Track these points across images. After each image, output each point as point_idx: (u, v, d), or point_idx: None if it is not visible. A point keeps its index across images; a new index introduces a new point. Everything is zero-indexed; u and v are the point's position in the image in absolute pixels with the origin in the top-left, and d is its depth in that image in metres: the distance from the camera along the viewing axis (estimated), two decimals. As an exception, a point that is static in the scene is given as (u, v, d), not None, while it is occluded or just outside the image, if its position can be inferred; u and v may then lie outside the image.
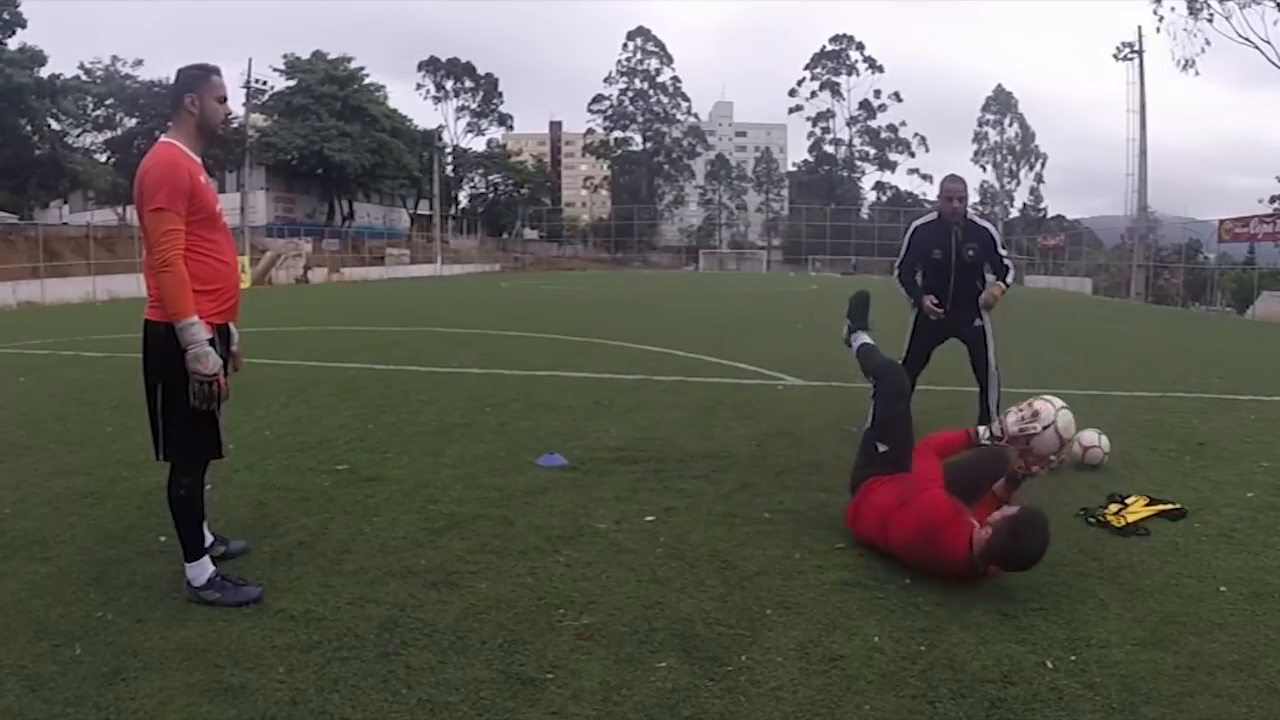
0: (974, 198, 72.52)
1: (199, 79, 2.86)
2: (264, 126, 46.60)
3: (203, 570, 2.84)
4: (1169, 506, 3.82)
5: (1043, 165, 72.14)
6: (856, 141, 75.60)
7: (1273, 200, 34.57)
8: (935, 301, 5.19)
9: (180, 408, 2.71)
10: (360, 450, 4.95)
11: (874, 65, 73.16)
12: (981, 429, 3.60)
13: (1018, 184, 72.42)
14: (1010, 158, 72.12)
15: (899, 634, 2.62)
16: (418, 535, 3.48)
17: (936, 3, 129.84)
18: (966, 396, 5.60)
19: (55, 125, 32.34)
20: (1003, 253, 5.20)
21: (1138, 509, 3.77)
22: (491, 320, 14.86)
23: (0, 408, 6.38)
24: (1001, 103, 72.30)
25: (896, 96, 73.05)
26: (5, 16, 28.39)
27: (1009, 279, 5.23)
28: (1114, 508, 3.79)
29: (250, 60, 55.93)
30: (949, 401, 6.13)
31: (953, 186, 5.14)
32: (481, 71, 69.97)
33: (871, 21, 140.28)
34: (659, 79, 74.90)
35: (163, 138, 2.84)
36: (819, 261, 66.69)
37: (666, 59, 74.75)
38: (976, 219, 5.24)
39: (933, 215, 5.34)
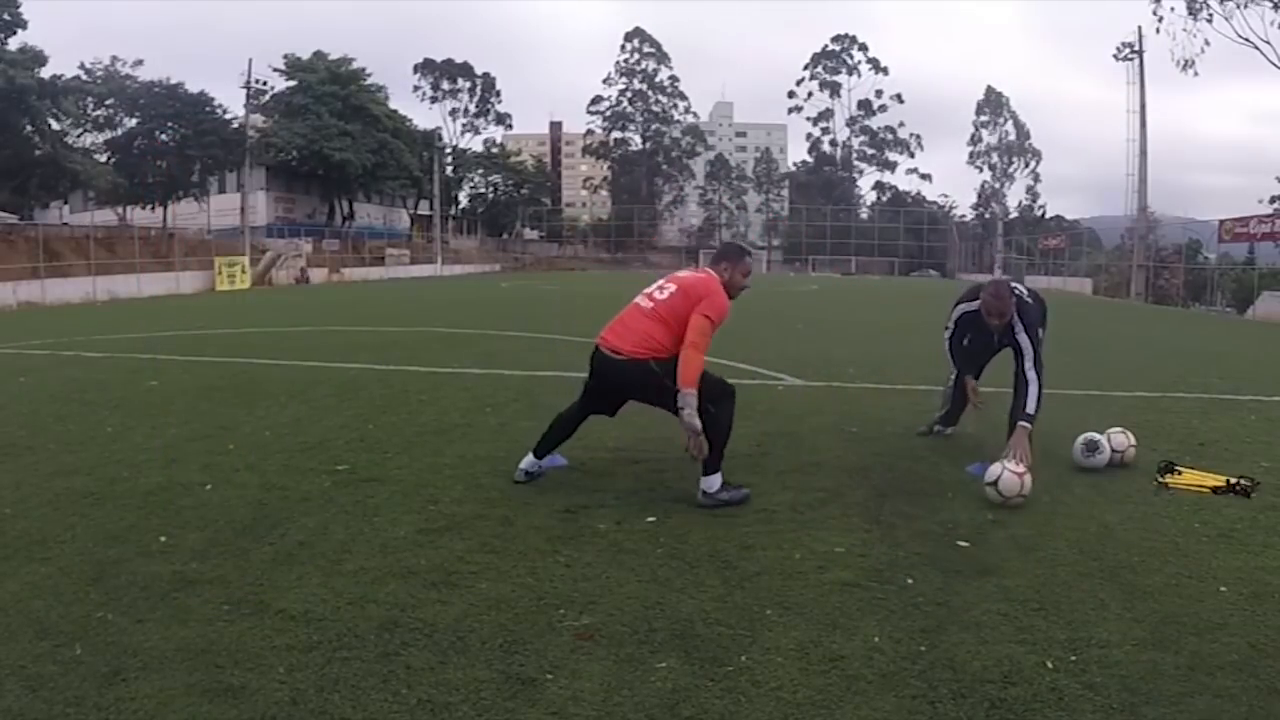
0: (971, 198, 72.43)
1: (737, 255, 4.24)
2: (264, 126, 46.60)
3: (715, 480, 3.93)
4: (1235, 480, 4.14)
5: (1037, 164, 72.33)
6: (856, 142, 75.75)
7: (1273, 200, 34.57)
8: (975, 387, 5.08)
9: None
10: (360, 450, 4.95)
11: (877, 66, 73.32)
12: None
13: (1012, 183, 72.60)
14: (1005, 158, 72.25)
15: (899, 634, 2.62)
16: (418, 535, 3.48)
17: (936, 2, 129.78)
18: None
19: (56, 125, 32.34)
20: (1028, 368, 4.54)
21: (1198, 476, 4.22)
22: (492, 320, 14.86)
23: (0, 408, 6.39)
24: (993, 104, 72.50)
25: (898, 98, 73.23)
26: (5, 17, 28.40)
27: (1030, 409, 4.39)
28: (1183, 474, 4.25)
29: (250, 60, 55.85)
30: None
31: (992, 302, 4.64)
32: (479, 71, 70.13)
33: (871, 21, 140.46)
34: (657, 79, 74.99)
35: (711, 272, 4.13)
36: (817, 261, 66.75)
37: (664, 59, 74.85)
38: (1017, 330, 4.65)
39: (975, 305, 4.88)
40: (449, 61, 69.62)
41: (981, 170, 73.04)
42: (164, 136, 40.10)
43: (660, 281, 4.20)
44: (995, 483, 3.94)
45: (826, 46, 74.36)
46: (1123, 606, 2.82)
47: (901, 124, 73.90)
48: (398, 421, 5.80)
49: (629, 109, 75.46)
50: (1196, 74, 31.33)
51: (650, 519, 3.71)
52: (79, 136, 36.55)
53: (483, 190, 72.23)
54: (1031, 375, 4.55)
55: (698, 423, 3.76)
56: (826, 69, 74.41)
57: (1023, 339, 4.66)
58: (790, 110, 76.28)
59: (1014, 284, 4.93)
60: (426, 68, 69.28)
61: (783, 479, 4.40)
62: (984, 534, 3.55)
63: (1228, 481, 4.16)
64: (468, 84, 70.02)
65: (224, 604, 2.80)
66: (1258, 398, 7.16)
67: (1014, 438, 4.33)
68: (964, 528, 3.62)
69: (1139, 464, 4.64)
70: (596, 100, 75.72)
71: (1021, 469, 3.98)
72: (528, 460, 4.29)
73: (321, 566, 3.13)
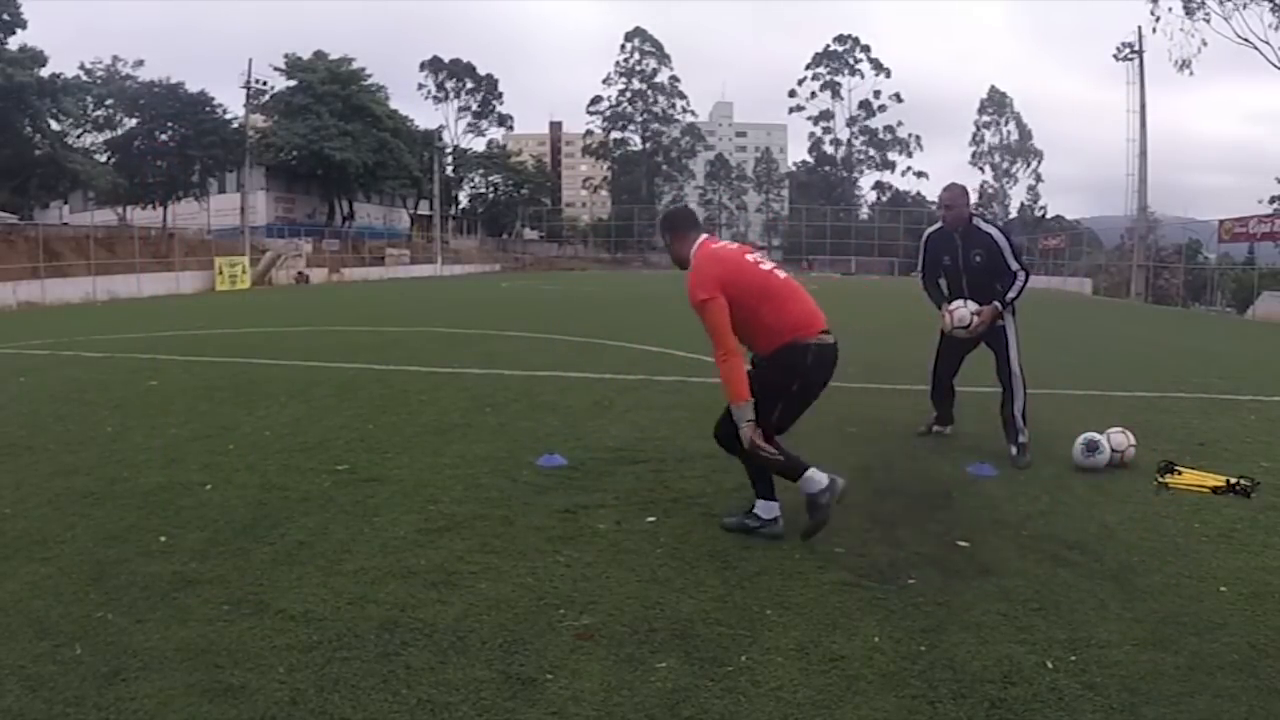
0: (973, 198, 72.36)
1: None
2: (264, 126, 46.59)
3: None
4: (1235, 480, 4.16)
5: (1039, 163, 72.32)
6: (856, 142, 75.74)
7: (1272, 200, 34.58)
8: (949, 311, 5.02)
9: None
10: (360, 450, 4.95)
11: (879, 66, 73.31)
12: (1013, 449, 3.99)
13: (1015, 183, 72.59)
14: (1007, 158, 72.25)
15: (899, 634, 2.62)
16: (418, 535, 3.48)
17: (935, 2, 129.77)
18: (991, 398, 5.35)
19: (56, 125, 32.30)
20: (1011, 264, 4.84)
21: (1198, 477, 4.26)
22: (492, 320, 14.86)
23: (0, 408, 6.39)
24: (996, 103, 72.47)
25: (897, 97, 73.23)
26: (5, 17, 28.37)
27: (1010, 295, 4.83)
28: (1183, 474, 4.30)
29: (250, 60, 55.76)
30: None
31: (943, 194, 5.06)
32: (482, 72, 70.14)
33: (870, 21, 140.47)
34: (657, 79, 74.99)
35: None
36: (816, 261, 66.72)
37: (664, 59, 74.84)
38: (981, 224, 4.98)
39: (939, 224, 5.19)
40: (456, 61, 69.62)
41: (983, 170, 73.09)
42: (164, 136, 40.06)
43: (756, 256, 3.56)
44: (951, 312, 4.70)
45: (829, 47, 74.37)
46: (1123, 606, 2.82)
47: (900, 124, 74.01)
48: (398, 421, 5.80)
49: (629, 109, 75.42)
50: (1193, 74, 31.37)
51: (650, 519, 3.71)
52: (79, 136, 36.50)
53: (483, 190, 72.17)
54: (1016, 266, 4.85)
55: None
56: (828, 69, 74.41)
57: (995, 235, 4.90)
58: (791, 110, 76.35)
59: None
60: (433, 65, 69.24)
61: (782, 478, 4.38)
62: (984, 534, 3.55)
63: (1228, 481, 4.16)
64: (471, 84, 70.01)
65: (224, 604, 2.80)
66: (1258, 398, 7.16)
67: (986, 308, 4.82)
68: (964, 528, 3.62)
69: (1139, 464, 4.64)
70: (596, 100, 75.75)
71: (973, 310, 4.72)
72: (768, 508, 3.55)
73: (321, 566, 3.13)
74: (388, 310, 18.30)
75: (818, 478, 3.41)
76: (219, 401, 6.59)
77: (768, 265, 3.52)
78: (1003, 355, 4.97)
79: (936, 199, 5.23)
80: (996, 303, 4.83)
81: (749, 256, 3.52)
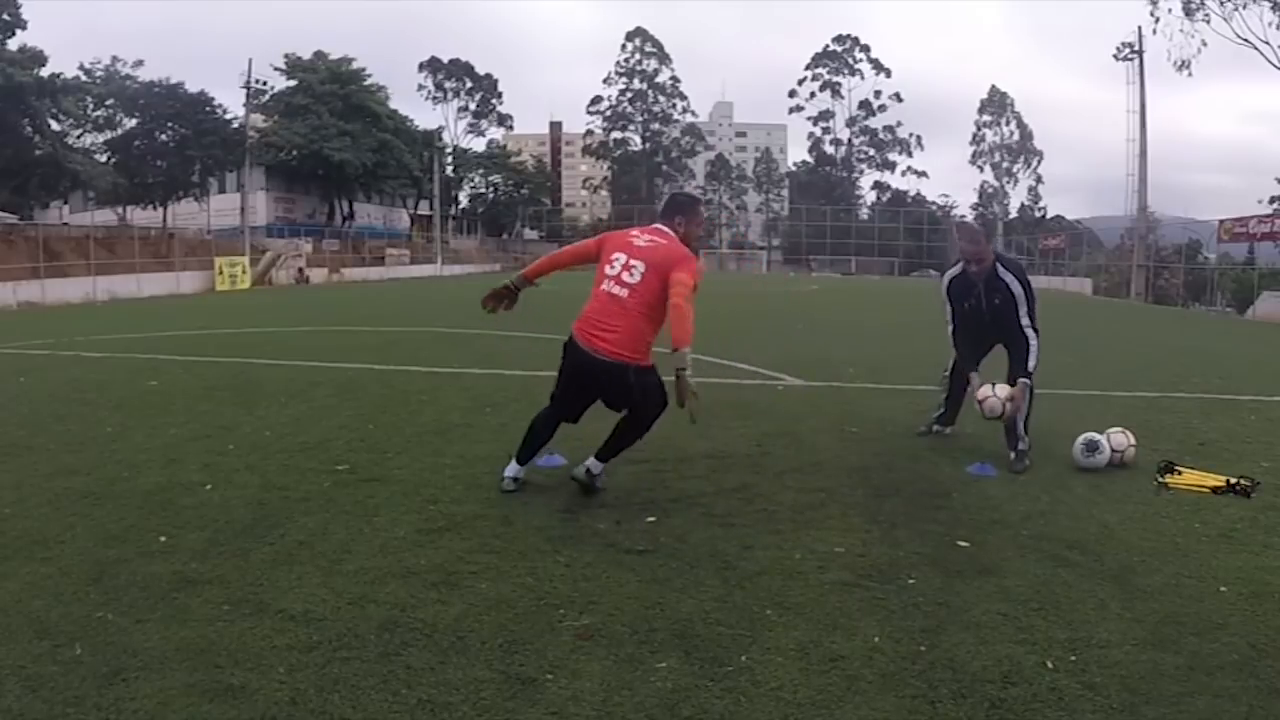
0: (971, 198, 72.42)
1: (690, 207, 4.11)
2: (264, 126, 46.59)
3: None
4: (1235, 480, 4.18)
5: (1039, 163, 72.29)
6: (856, 141, 75.73)
7: (1272, 200, 34.59)
8: (975, 384, 4.89)
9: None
10: (360, 450, 4.95)
11: (879, 66, 73.29)
12: (1011, 454, 4.03)
13: (1015, 183, 72.57)
14: (1008, 158, 72.23)
15: (899, 634, 2.62)
16: (418, 535, 3.48)
17: (934, 2, 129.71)
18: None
19: (56, 125, 32.33)
20: (1023, 320, 4.66)
21: (1198, 476, 4.28)
22: (492, 320, 14.82)
23: (0, 408, 6.39)
24: (996, 103, 72.45)
25: (897, 97, 73.23)
26: (5, 17, 28.38)
27: (1030, 364, 4.58)
28: (1183, 474, 4.33)
29: (250, 60, 55.76)
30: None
31: (966, 247, 4.81)
32: (481, 72, 70.13)
33: (870, 21, 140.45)
34: (657, 79, 74.96)
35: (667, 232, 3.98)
36: (815, 261, 66.72)
37: (665, 59, 74.83)
38: (1001, 270, 4.77)
39: (958, 268, 4.99)
40: (454, 61, 69.63)
41: (983, 170, 73.07)
42: (164, 136, 40.07)
43: (622, 258, 3.84)
44: (982, 402, 4.49)
45: (828, 47, 74.40)
46: (1123, 606, 2.82)
47: (900, 124, 74.02)
48: (398, 421, 5.80)
49: (629, 109, 75.42)
50: (1192, 75, 31.39)
51: (650, 519, 3.71)
52: (79, 136, 36.51)
53: (483, 190, 72.17)
54: (1030, 332, 4.67)
55: (690, 383, 3.62)
56: (828, 69, 74.40)
57: (1014, 285, 4.74)
58: (791, 110, 76.36)
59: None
60: (431, 66, 69.23)
61: (783, 479, 4.39)
62: (984, 534, 3.55)
63: (1228, 481, 4.16)
64: (470, 84, 69.98)
65: (224, 604, 2.80)
66: (1258, 398, 7.16)
67: (1014, 390, 4.58)
68: (964, 528, 3.62)
69: (1139, 464, 4.64)
70: (596, 100, 75.77)
71: (1004, 398, 4.51)
72: (512, 468, 4.11)
73: (321, 566, 3.13)
74: (388, 310, 18.30)
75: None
76: (219, 401, 6.59)
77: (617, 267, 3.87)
78: (1019, 359, 4.76)
79: (960, 250, 4.91)
80: (1023, 381, 4.58)
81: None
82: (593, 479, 4.01)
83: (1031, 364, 4.62)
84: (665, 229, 3.97)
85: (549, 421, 4.16)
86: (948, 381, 5.39)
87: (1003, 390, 4.62)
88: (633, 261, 3.83)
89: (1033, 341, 4.64)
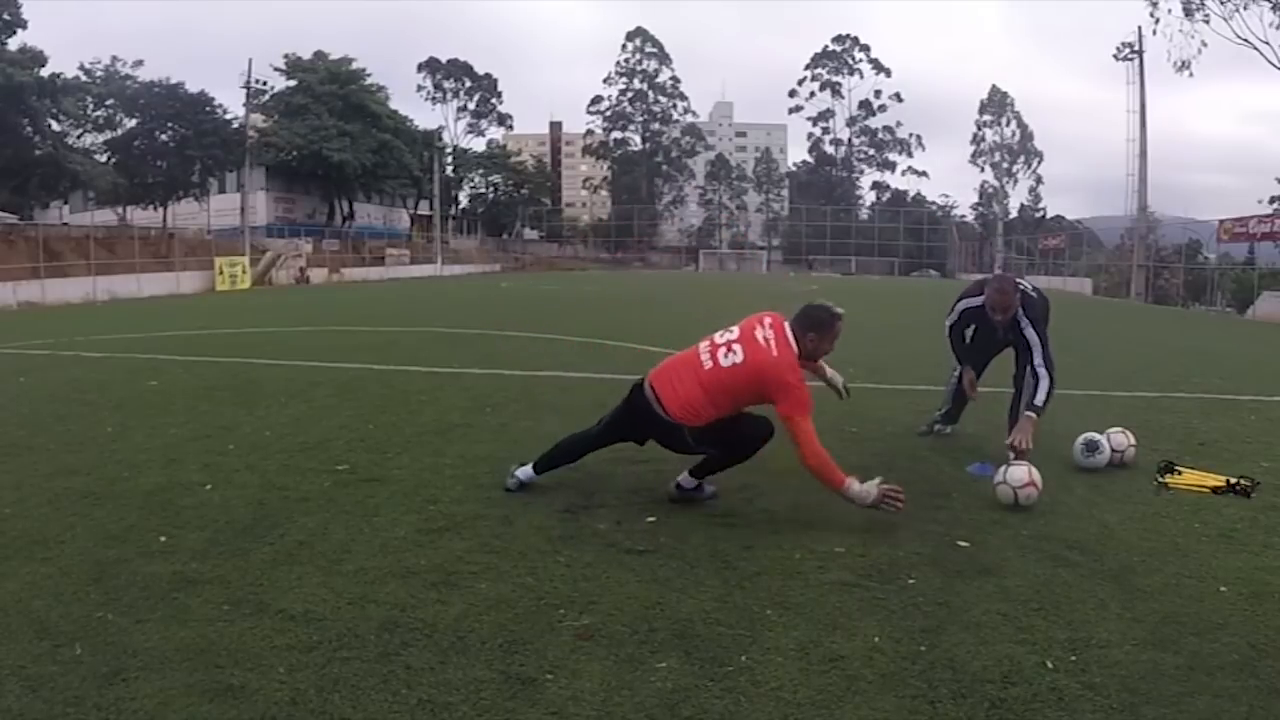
0: (971, 198, 72.35)
1: (829, 324, 3.78)
2: (264, 126, 46.60)
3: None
4: (1235, 480, 4.16)
5: (1039, 163, 72.30)
6: (856, 141, 75.75)
7: (1272, 200, 34.60)
8: (973, 380, 4.99)
9: None
10: (360, 450, 4.95)
11: (879, 66, 73.29)
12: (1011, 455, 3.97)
13: (1016, 183, 72.57)
14: (1008, 158, 72.22)
15: (899, 634, 2.62)
16: (418, 535, 3.48)
17: (937, 2, 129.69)
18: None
19: (56, 125, 32.32)
20: (1037, 362, 4.57)
21: (1198, 476, 4.27)
22: (492, 320, 14.85)
23: (0, 408, 6.39)
24: (997, 103, 72.45)
25: (897, 97, 73.23)
26: (5, 17, 28.38)
27: (1039, 400, 4.43)
28: (1183, 474, 4.32)
29: (250, 60, 55.74)
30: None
31: (994, 298, 4.69)
32: (480, 72, 70.17)
33: (869, 21, 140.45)
34: (658, 79, 74.97)
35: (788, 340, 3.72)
36: (817, 261, 66.73)
37: (665, 59, 74.85)
38: (1023, 323, 4.67)
39: (978, 300, 4.89)
40: (453, 61, 69.65)
41: (983, 170, 73.06)
42: (164, 136, 40.07)
43: (733, 333, 3.75)
44: (1004, 480, 3.91)
45: (828, 47, 74.40)
46: (1123, 606, 2.82)
47: (900, 124, 74.03)
48: (398, 421, 5.80)
49: (629, 109, 75.44)
50: (1192, 75, 31.38)
51: (650, 519, 3.71)
52: (79, 136, 36.51)
53: (483, 190, 72.20)
54: (1042, 371, 4.56)
55: (872, 493, 3.58)
56: (828, 69, 74.41)
57: (1030, 334, 4.66)
58: (791, 110, 76.37)
59: (1018, 279, 4.93)
60: (430, 66, 69.26)
61: (783, 479, 4.39)
62: (984, 534, 3.55)
63: (1228, 481, 4.16)
64: (470, 84, 70.01)
65: (224, 604, 2.80)
66: (1258, 398, 7.16)
67: (1019, 424, 4.38)
68: (964, 528, 3.62)
69: (1139, 464, 4.64)
70: (596, 100, 75.79)
71: (1024, 465, 3.96)
72: (524, 471, 4.07)
73: (321, 566, 3.13)
74: (388, 310, 18.30)
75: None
76: (219, 401, 6.59)
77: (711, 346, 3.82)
78: (1025, 359, 4.74)
79: (985, 296, 4.78)
80: (1029, 413, 4.39)
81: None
82: (700, 490, 4.00)
83: (1040, 400, 4.45)
84: (792, 335, 3.71)
85: (582, 448, 4.15)
86: (954, 382, 5.39)
87: (1035, 474, 3.96)
88: (736, 344, 3.70)
89: (1043, 380, 4.52)
